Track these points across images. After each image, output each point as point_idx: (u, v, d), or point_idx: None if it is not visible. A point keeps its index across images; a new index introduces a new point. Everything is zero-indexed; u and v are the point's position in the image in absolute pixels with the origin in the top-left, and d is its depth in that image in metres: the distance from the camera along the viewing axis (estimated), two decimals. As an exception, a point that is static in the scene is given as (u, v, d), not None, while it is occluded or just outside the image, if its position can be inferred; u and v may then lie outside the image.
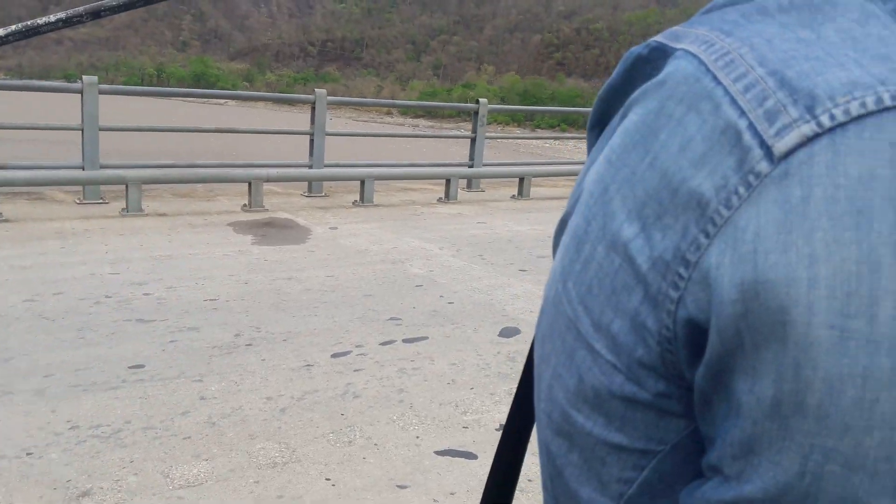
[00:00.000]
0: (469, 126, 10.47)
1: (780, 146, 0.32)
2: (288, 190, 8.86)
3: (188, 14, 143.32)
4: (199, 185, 8.47)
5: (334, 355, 3.81)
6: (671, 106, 0.37)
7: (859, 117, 0.31)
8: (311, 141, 8.61)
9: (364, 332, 4.18)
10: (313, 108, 8.61)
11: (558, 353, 0.43)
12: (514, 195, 9.82)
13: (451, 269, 5.68)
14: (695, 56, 0.37)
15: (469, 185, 10.12)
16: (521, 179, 9.94)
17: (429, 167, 9.69)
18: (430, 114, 54.09)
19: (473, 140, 10.15)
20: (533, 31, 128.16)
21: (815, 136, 0.31)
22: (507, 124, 49.95)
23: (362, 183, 8.37)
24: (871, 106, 0.31)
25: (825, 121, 0.31)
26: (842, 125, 0.31)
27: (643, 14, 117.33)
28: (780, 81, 0.33)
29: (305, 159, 8.72)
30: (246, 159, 8.44)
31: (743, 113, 0.33)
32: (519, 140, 23.28)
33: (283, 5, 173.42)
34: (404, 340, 4.08)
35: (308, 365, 3.65)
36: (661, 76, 0.38)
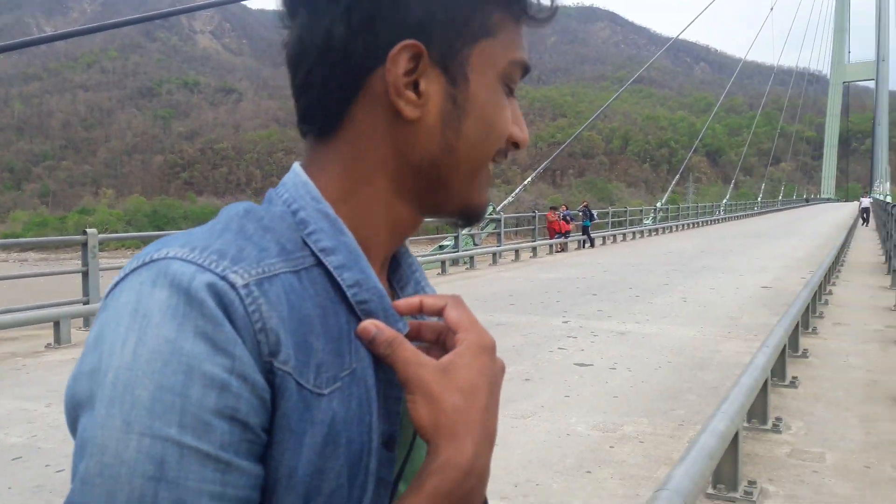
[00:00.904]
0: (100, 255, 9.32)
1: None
2: None
3: None
4: None
5: None
6: None
7: (138, 267, 0.52)
8: None
9: (-70, 541, 3.22)
10: None
11: None
12: (142, 327, 8.92)
13: (61, 429, 4.80)
14: None
15: (87, 324, 8.95)
16: (149, 309, 9.12)
17: (29, 311, 8.29)
18: (41, 246, 47.56)
19: (86, 274, 9.10)
20: (154, 152, 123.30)
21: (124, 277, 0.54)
22: (139, 248, 46.68)
23: (-65, 343, 6.78)
24: (146, 260, 0.52)
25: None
26: (128, 274, 0.53)
27: (266, 133, 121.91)
28: None
29: None
30: None
31: None
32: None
33: None
34: (-9, 538, 3.25)
35: None
36: None
